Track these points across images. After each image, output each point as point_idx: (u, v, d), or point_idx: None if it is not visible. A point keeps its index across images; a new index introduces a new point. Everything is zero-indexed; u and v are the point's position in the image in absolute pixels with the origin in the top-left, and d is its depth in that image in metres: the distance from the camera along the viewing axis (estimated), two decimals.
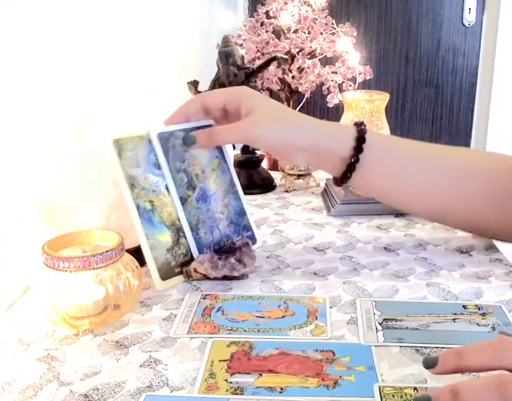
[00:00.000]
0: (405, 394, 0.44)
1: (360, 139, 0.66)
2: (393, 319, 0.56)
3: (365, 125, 0.67)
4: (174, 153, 0.64)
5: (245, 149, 1.00)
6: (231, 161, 0.70)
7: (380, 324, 0.55)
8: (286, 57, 1.04)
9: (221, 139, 0.67)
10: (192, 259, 0.64)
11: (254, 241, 0.70)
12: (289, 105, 1.16)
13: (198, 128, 0.67)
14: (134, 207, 0.60)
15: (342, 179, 0.68)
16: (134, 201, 0.60)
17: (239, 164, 0.98)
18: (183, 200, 0.64)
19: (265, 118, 0.65)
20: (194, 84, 0.99)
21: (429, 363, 0.41)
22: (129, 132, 0.62)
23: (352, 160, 0.66)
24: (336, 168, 0.68)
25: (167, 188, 0.63)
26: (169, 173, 0.63)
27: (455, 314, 0.57)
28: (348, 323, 0.56)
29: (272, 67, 1.08)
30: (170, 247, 0.63)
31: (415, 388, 0.45)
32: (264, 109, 0.66)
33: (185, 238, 0.64)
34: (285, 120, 0.67)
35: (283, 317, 0.57)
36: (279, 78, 1.11)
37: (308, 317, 0.57)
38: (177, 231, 0.64)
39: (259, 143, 0.67)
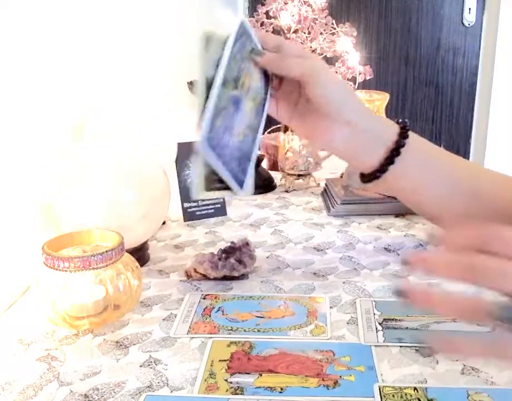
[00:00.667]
0: (405, 394, 0.44)
1: (405, 126, 0.66)
2: (393, 319, 0.56)
3: (404, 120, 0.68)
4: (241, 47, 0.61)
5: None
6: (264, 119, 0.65)
7: (380, 324, 0.55)
8: None
9: (288, 66, 0.62)
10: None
11: (241, 187, 0.61)
12: None
13: None
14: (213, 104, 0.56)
15: (384, 165, 0.65)
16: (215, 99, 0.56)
17: None
18: (225, 82, 0.58)
19: (333, 73, 0.65)
20: (194, 84, 0.99)
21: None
22: (218, 32, 0.60)
23: (398, 144, 0.64)
24: (377, 154, 0.65)
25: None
26: (229, 53, 0.59)
27: None
28: (348, 323, 0.56)
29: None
30: None
31: (415, 388, 0.45)
32: (330, 70, 0.66)
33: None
34: (348, 87, 0.66)
35: (283, 317, 0.57)
36: None
37: (308, 317, 0.57)
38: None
39: (318, 87, 0.62)
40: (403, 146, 0.64)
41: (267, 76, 0.64)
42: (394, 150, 0.64)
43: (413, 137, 0.66)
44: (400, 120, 0.68)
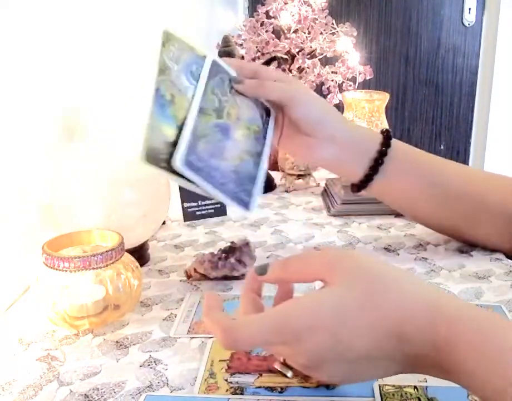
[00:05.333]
0: (406, 393, 0.44)
1: (387, 134, 0.68)
2: None
3: (388, 129, 0.70)
4: (219, 83, 0.62)
5: None
6: (269, 144, 0.66)
7: None
8: (286, 57, 1.04)
9: (269, 90, 0.64)
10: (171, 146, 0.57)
11: (247, 208, 0.61)
12: None
13: None
14: (153, 88, 0.57)
15: (368, 176, 0.67)
16: (157, 84, 0.57)
17: None
18: (202, 111, 0.59)
19: (312, 93, 0.67)
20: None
21: (262, 271, 0.44)
22: (181, 36, 0.60)
23: (381, 153, 0.67)
24: (360, 166, 0.68)
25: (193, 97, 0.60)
26: (203, 86, 0.60)
27: None
28: None
29: (272, 67, 1.08)
30: (168, 142, 0.56)
31: (415, 387, 0.45)
32: (309, 90, 0.68)
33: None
34: (327, 105, 0.68)
35: None
36: None
37: None
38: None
39: (301, 106, 0.64)
40: (385, 154, 0.67)
41: (265, 107, 0.66)
42: (377, 159, 0.67)
43: (396, 144, 0.68)
44: (384, 129, 0.69)
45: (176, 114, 0.58)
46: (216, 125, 0.61)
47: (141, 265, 0.64)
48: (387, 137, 0.68)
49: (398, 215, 0.86)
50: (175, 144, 0.56)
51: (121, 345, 0.52)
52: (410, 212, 0.75)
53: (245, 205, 0.61)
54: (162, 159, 0.56)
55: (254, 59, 1.11)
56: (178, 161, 0.55)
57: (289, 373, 0.44)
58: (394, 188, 0.70)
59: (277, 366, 0.45)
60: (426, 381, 0.46)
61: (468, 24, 2.50)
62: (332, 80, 1.12)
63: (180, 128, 0.58)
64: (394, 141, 0.68)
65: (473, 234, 0.72)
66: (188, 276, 0.65)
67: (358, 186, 0.70)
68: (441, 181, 0.69)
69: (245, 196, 0.62)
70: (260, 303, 0.46)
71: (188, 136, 0.57)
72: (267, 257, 0.72)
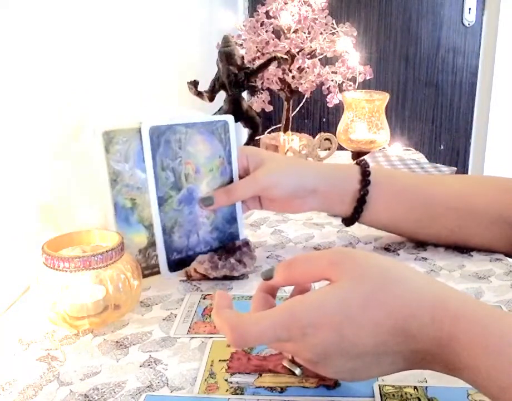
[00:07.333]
0: (406, 393, 0.44)
1: (365, 172, 0.69)
2: None
3: (365, 161, 0.71)
4: (166, 149, 0.61)
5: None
6: (235, 162, 0.68)
7: None
8: (286, 57, 1.04)
9: (240, 195, 0.67)
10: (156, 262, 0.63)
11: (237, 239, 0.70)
12: (288, 105, 1.17)
13: (205, 123, 0.64)
14: (111, 204, 0.59)
15: (354, 214, 0.70)
16: (114, 198, 0.59)
17: None
18: (163, 200, 0.61)
19: (276, 166, 0.68)
20: (194, 84, 0.99)
21: (267, 276, 0.45)
22: (122, 124, 0.59)
23: (362, 193, 0.69)
24: (346, 205, 0.70)
25: None
26: (151, 169, 0.60)
27: None
28: None
29: (272, 67, 1.08)
30: (143, 247, 0.62)
31: (415, 387, 0.45)
32: (272, 159, 0.69)
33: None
34: (294, 166, 0.69)
35: None
36: (279, 78, 1.11)
37: None
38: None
39: (274, 190, 0.67)
40: (367, 193, 0.69)
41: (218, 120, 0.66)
42: (359, 199, 0.69)
43: (375, 179, 0.69)
44: (361, 162, 0.71)
45: (142, 215, 0.61)
46: (179, 201, 0.63)
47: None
48: (364, 173, 0.69)
49: None
50: (150, 244, 0.61)
51: (121, 345, 0.52)
52: (402, 235, 0.77)
53: (237, 239, 0.68)
54: (150, 266, 0.62)
55: (254, 59, 1.11)
56: (166, 275, 0.62)
57: (297, 371, 0.44)
58: (381, 218, 0.72)
59: (285, 364, 0.45)
60: (426, 381, 0.46)
61: (468, 24, 2.49)
62: (332, 80, 1.12)
63: (149, 227, 0.61)
64: (373, 174, 0.69)
65: (470, 244, 0.72)
66: (188, 276, 0.65)
67: (347, 222, 0.73)
68: (426, 202, 0.70)
69: (233, 236, 0.68)
70: (271, 301, 0.46)
71: (162, 245, 0.61)
72: (267, 257, 0.72)
